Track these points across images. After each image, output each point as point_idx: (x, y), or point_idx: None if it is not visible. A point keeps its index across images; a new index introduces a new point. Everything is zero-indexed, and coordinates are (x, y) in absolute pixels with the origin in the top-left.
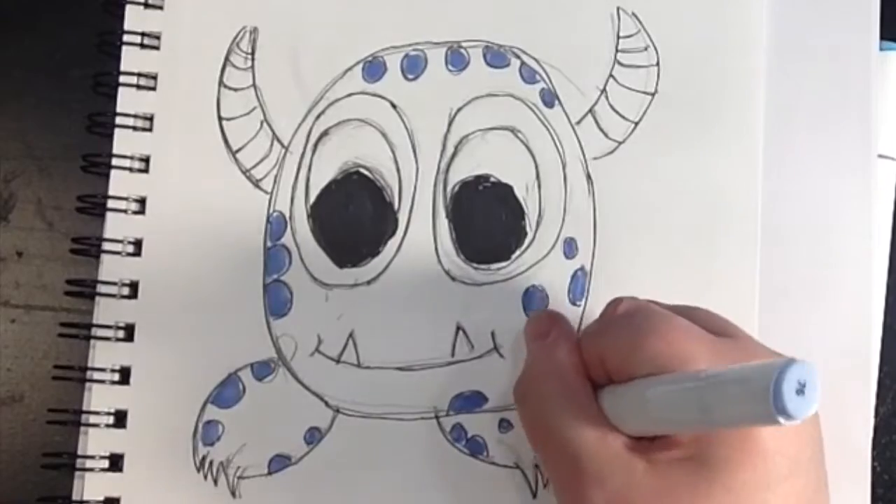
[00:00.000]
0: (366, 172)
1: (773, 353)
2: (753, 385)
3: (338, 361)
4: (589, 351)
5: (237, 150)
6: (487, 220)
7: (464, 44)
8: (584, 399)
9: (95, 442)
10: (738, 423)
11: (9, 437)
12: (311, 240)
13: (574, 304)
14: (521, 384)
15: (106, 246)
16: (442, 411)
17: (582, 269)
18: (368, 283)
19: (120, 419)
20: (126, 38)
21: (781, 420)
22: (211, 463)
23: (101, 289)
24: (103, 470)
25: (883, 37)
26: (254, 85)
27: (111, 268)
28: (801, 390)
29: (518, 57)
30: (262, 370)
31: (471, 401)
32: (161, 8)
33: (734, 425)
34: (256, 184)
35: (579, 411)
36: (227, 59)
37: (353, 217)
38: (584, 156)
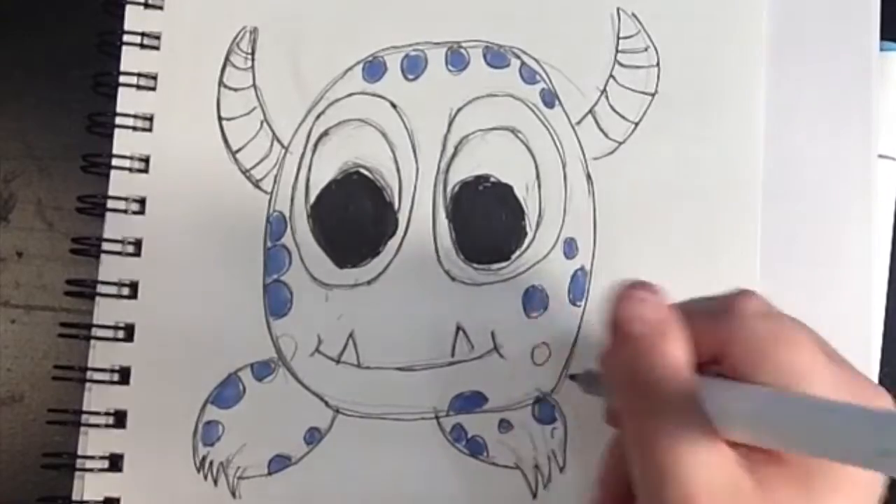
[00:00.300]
0: (366, 172)
1: (875, 387)
2: (868, 429)
3: (338, 361)
4: (704, 339)
5: (237, 150)
6: (487, 220)
7: (464, 44)
8: (693, 407)
9: (95, 442)
10: (844, 459)
11: (9, 437)
12: (310, 240)
13: (574, 304)
14: (643, 418)
15: (106, 246)
16: (442, 411)
17: (582, 269)
18: (368, 283)
19: (120, 419)
20: (126, 38)
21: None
22: (211, 463)
23: (101, 289)
24: (103, 470)
25: (883, 37)
26: (254, 85)
27: (111, 268)
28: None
29: (518, 57)
30: (262, 370)
31: (471, 401)
32: (161, 8)
33: (838, 460)
34: (256, 184)
35: (703, 438)
36: (227, 59)
37: (353, 217)
38: (584, 156)
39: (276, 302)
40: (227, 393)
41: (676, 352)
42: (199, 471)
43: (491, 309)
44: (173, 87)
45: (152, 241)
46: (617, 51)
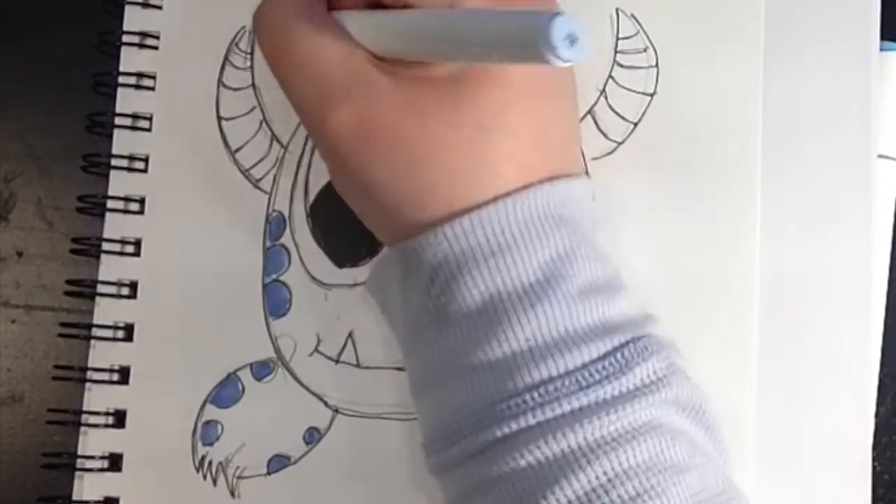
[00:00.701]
0: None
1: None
2: (524, 25)
3: (337, 361)
4: None
5: (236, 150)
6: None
7: None
8: (325, 17)
9: (95, 442)
10: (498, 59)
11: (9, 437)
12: (310, 240)
13: None
14: (259, 10)
15: (106, 246)
16: None
17: None
18: None
19: (119, 419)
20: (125, 37)
21: (552, 60)
22: (210, 463)
23: (101, 289)
24: (103, 470)
25: (883, 37)
26: (253, 85)
27: (111, 268)
28: (572, 40)
29: None
30: (261, 370)
31: None
32: (160, 8)
33: (491, 61)
34: (256, 184)
35: (321, 28)
36: (226, 59)
37: (352, 217)
38: (583, 156)
39: (276, 302)
40: (226, 393)
41: None
42: (198, 470)
43: None
44: (173, 87)
45: (152, 241)
46: (616, 51)
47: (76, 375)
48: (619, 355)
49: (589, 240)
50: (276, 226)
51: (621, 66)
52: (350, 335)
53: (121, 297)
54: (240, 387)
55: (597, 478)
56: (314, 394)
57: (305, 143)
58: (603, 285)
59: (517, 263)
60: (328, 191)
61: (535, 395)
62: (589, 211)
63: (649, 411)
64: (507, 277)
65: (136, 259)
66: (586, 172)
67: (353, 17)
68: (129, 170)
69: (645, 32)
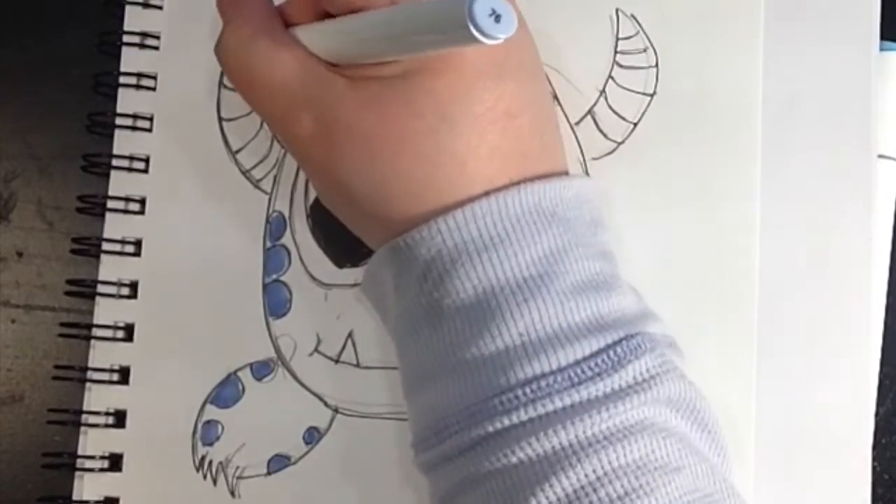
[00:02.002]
0: None
1: None
2: (450, 8)
3: (337, 361)
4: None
5: (237, 151)
6: None
7: None
8: (281, 35)
9: (95, 442)
10: (435, 47)
11: (9, 437)
12: (310, 240)
13: None
14: (219, 42)
15: (106, 246)
16: None
17: None
18: None
19: (119, 419)
20: (126, 38)
21: (480, 38)
22: (210, 463)
23: (101, 289)
24: (103, 470)
25: (883, 37)
26: None
27: (111, 268)
28: (496, 18)
29: None
30: (261, 370)
31: None
32: (161, 8)
33: (430, 49)
34: (256, 184)
35: (278, 45)
36: None
37: None
38: (583, 156)
39: (276, 302)
40: (226, 392)
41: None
42: (198, 470)
43: None
44: (173, 87)
45: (152, 241)
46: (616, 52)
47: (76, 375)
48: (611, 352)
49: (585, 240)
50: (276, 226)
51: (621, 66)
52: (350, 335)
53: (121, 297)
54: (240, 387)
55: (586, 476)
56: (314, 394)
57: None
58: (598, 283)
59: (510, 258)
60: None
61: (528, 390)
62: (587, 211)
63: (641, 410)
64: (500, 271)
65: (136, 259)
66: (586, 172)
67: (306, 30)
68: (130, 170)
69: (645, 32)
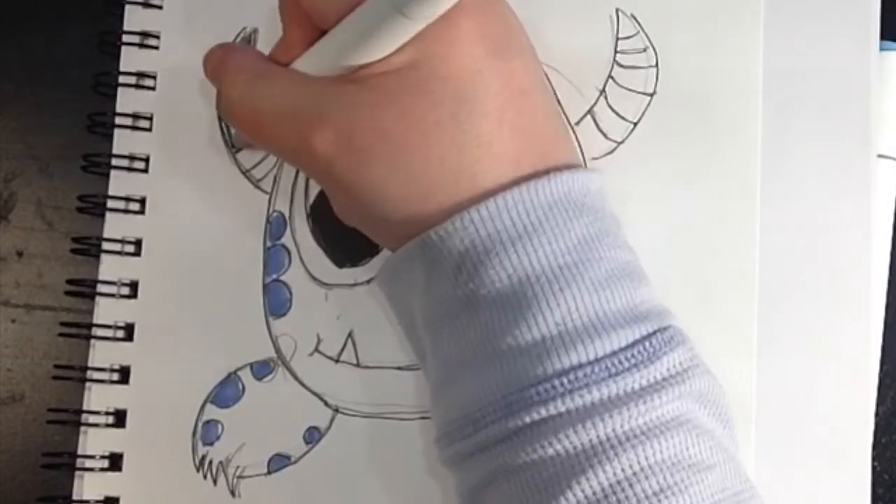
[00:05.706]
0: None
1: None
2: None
3: (337, 361)
4: (290, 13)
5: (237, 151)
6: None
7: None
8: (275, 70)
9: (95, 441)
10: (400, 33)
11: (9, 437)
12: (310, 239)
13: None
14: (218, 102)
15: (106, 246)
16: None
17: None
18: (368, 282)
19: (119, 419)
20: (125, 37)
21: (408, 13)
22: (210, 462)
23: (101, 289)
24: (103, 469)
25: (883, 37)
26: None
27: (111, 268)
28: None
29: None
30: (261, 370)
31: None
32: (160, 8)
33: (404, 36)
34: (256, 184)
35: (275, 77)
36: None
37: None
38: (583, 156)
39: (276, 301)
40: (226, 392)
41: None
42: (198, 470)
43: None
44: (173, 87)
45: (152, 241)
46: (616, 51)
47: (76, 375)
48: (647, 343)
49: (612, 230)
50: (276, 226)
51: (621, 66)
52: (350, 335)
53: (121, 296)
54: (240, 386)
55: (622, 470)
56: (314, 393)
57: None
58: (629, 272)
59: (544, 246)
60: None
61: (566, 380)
62: (609, 205)
63: (676, 404)
64: (535, 260)
65: (136, 259)
66: None
67: (300, 61)
68: (130, 170)
69: (645, 32)
